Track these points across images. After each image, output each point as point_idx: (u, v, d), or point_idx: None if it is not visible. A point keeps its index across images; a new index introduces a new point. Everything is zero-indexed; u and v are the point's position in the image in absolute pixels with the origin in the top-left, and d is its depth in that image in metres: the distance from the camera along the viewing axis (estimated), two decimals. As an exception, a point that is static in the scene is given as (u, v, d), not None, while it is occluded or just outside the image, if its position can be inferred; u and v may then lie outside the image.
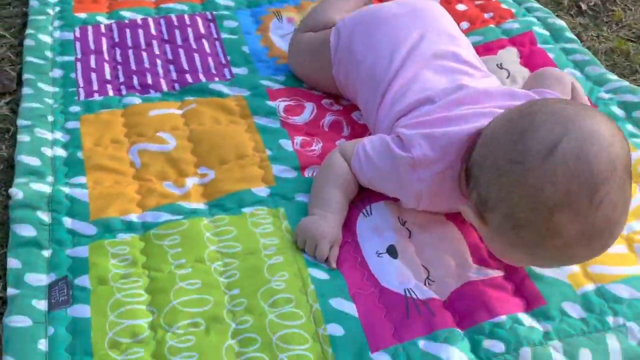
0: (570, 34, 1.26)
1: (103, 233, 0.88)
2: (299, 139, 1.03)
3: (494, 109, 0.83)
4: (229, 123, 1.06)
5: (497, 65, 1.16)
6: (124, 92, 1.13)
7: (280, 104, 1.10)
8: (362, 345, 0.76)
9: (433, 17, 1.05)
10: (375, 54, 1.00)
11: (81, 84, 1.15)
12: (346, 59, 1.05)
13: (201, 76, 1.17)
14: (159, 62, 1.20)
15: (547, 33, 1.25)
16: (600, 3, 1.41)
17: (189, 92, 1.13)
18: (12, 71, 1.19)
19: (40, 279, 0.82)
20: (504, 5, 1.33)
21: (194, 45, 1.24)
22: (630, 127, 1.05)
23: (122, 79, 1.16)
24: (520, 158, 0.70)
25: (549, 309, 0.79)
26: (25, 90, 1.12)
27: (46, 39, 1.25)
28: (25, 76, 1.15)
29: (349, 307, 0.80)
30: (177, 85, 1.15)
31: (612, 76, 1.15)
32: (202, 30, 1.28)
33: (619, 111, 1.08)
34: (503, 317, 0.78)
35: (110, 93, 1.13)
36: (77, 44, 1.25)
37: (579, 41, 1.25)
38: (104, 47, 1.24)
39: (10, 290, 0.80)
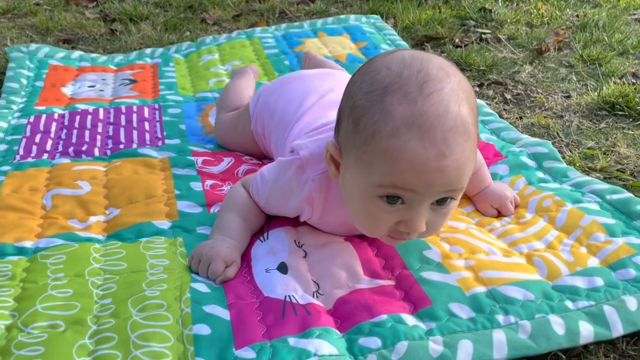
0: (488, 109, 1.33)
1: (-7, 256, 0.87)
2: (210, 182, 1.06)
3: None
4: (147, 174, 1.10)
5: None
6: (57, 157, 1.19)
7: (199, 158, 1.14)
8: (227, 344, 0.70)
9: (343, 77, 1.13)
10: (287, 101, 1.07)
11: (21, 153, 1.21)
12: (262, 111, 1.12)
13: (134, 145, 1.23)
14: (99, 137, 1.28)
15: (467, 108, 1.32)
16: (523, 93, 1.50)
17: (118, 155, 1.18)
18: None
19: None
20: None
21: (135, 125, 1.33)
22: (540, 174, 1.06)
23: (59, 149, 1.23)
24: (362, 69, 0.75)
25: (435, 309, 0.74)
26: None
27: (3, 124, 1.35)
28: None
29: (222, 312, 0.75)
30: (108, 152, 1.21)
31: (525, 137, 1.19)
32: (147, 115, 1.38)
33: (530, 161, 1.09)
34: (384, 317, 0.73)
35: (44, 157, 1.19)
36: (28, 127, 1.34)
37: (496, 115, 1.32)
38: (53, 129, 1.33)
39: None
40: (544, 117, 1.36)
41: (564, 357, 0.71)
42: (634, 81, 1.53)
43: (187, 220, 0.96)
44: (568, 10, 2.12)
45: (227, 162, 1.13)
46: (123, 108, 1.42)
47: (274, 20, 2.18)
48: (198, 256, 0.85)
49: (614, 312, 0.72)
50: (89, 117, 1.37)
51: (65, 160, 1.16)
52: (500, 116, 1.36)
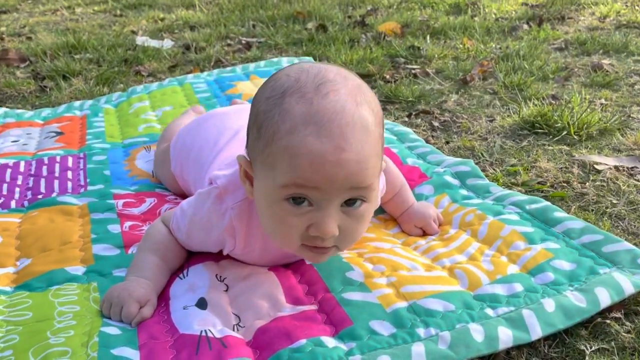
0: (414, 136, 1.35)
1: None
2: (129, 223, 1.02)
3: None
4: (65, 222, 1.05)
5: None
6: (-31, 211, 1.13)
7: (120, 201, 1.10)
8: (134, 385, 0.65)
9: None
10: (203, 140, 1.05)
11: None
12: (180, 152, 1.10)
13: (54, 194, 1.18)
14: (17, 189, 1.23)
15: (393, 137, 1.34)
16: (449, 120, 1.54)
17: (36, 206, 1.13)
18: None
19: None
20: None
21: (56, 175, 1.28)
22: (463, 192, 1.07)
23: (-27, 204, 1.17)
24: (265, 81, 0.78)
25: (356, 328, 0.71)
26: None
27: None
28: None
29: (132, 353, 0.71)
30: (26, 203, 1.16)
31: (450, 158, 1.21)
32: (70, 165, 1.34)
33: (453, 180, 1.10)
34: (303, 341, 0.70)
35: (-45, 213, 1.13)
36: (-57, 184, 1.28)
37: (423, 140, 1.33)
38: (-32, 185, 1.27)
39: None
40: (469, 140, 1.39)
41: (488, 366, 0.69)
42: (553, 102, 1.58)
43: (103, 264, 0.91)
44: (492, 43, 2.21)
45: (149, 202, 1.10)
46: (46, 159, 1.37)
47: (210, 68, 2.19)
48: (109, 299, 0.80)
49: (532, 315, 0.71)
50: (9, 170, 1.32)
51: (-22, 215, 1.11)
52: (427, 142, 1.38)
